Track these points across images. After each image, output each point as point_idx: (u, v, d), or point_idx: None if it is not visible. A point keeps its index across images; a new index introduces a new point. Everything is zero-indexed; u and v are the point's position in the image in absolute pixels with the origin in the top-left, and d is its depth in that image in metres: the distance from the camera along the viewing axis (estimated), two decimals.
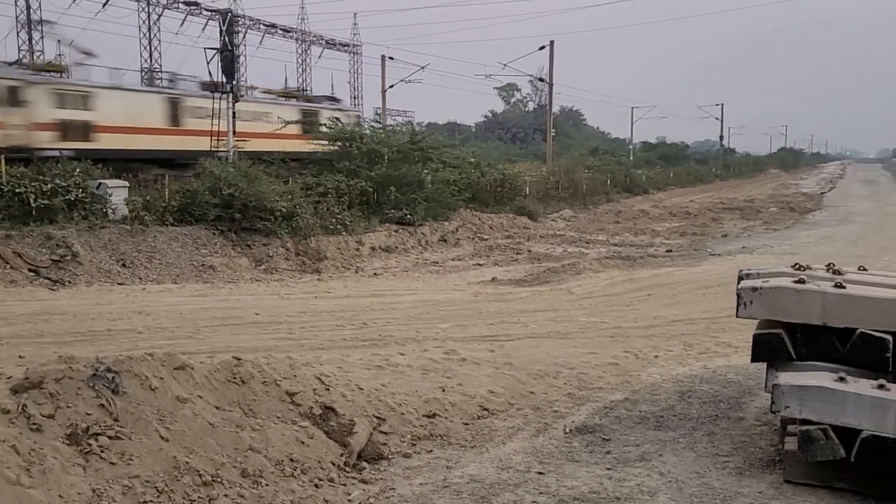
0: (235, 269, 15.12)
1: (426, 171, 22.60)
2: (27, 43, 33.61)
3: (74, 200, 14.94)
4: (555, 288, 13.89)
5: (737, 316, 5.10)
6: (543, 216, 26.85)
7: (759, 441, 5.21)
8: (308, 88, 46.99)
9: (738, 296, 4.99)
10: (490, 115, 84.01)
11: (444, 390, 5.95)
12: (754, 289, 4.88)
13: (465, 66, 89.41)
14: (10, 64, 24.31)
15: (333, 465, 4.54)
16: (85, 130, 21.66)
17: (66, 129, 21.07)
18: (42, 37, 33.73)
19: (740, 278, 5.43)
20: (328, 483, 4.37)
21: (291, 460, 4.38)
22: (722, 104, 69.55)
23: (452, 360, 6.86)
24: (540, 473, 4.65)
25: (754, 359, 5.00)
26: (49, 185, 14.73)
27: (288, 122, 25.45)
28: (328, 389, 5.15)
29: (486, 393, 6.14)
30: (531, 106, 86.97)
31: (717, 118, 70.24)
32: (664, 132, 73.17)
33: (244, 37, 38.91)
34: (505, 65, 38.17)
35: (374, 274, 15.86)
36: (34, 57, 32.31)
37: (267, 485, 4.12)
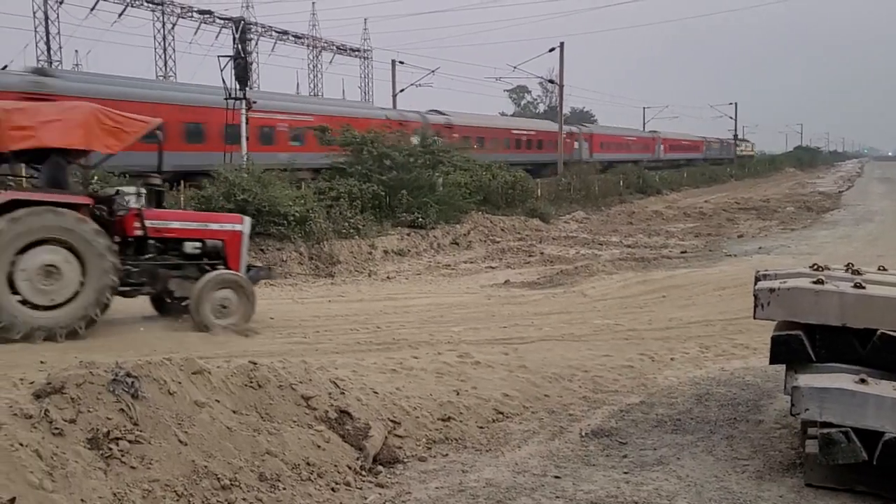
0: None
1: (437, 174, 22.61)
2: (46, 53, 33.99)
3: None
4: (568, 290, 13.84)
5: (754, 317, 5.07)
6: (555, 218, 26.77)
7: (778, 444, 5.17)
8: (320, 94, 47.20)
9: (756, 297, 4.96)
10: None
11: (458, 394, 5.95)
12: (772, 290, 4.85)
13: (475, 69, 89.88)
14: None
15: (349, 468, 4.55)
16: None
17: None
18: (60, 47, 34.20)
19: (757, 279, 5.40)
20: (344, 487, 4.38)
21: (308, 464, 4.40)
22: (735, 103, 69.25)
23: (466, 363, 6.85)
24: (556, 477, 4.64)
25: (773, 361, 4.97)
26: None
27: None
28: (343, 393, 5.17)
29: (501, 396, 6.13)
30: (542, 108, 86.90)
31: (730, 117, 69.97)
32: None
33: (257, 44, 39.18)
34: (515, 67, 38.18)
35: (387, 277, 15.87)
36: (52, 67, 32.67)
37: (284, 488, 4.14)
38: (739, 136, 74.74)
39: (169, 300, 9.15)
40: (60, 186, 8.47)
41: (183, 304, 8.88)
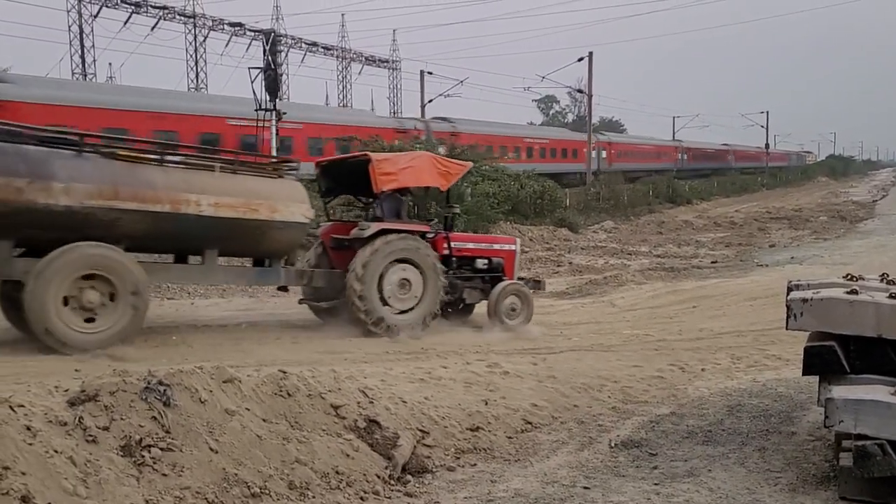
0: None
1: (465, 184, 22.63)
2: (80, 66, 34.74)
3: None
4: (597, 300, 13.77)
5: (787, 328, 4.99)
6: (584, 228, 26.65)
7: (812, 457, 5.08)
8: (349, 105, 47.61)
9: (788, 307, 4.89)
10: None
11: (487, 403, 5.94)
12: (805, 300, 4.77)
13: (504, 79, 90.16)
14: None
15: (378, 477, 4.56)
16: None
17: None
18: (94, 59, 34.93)
19: (790, 289, 5.32)
20: (373, 496, 4.39)
21: (337, 473, 4.42)
22: (767, 111, 68.40)
23: (495, 373, 6.83)
24: (585, 488, 4.61)
25: (806, 372, 4.89)
26: None
27: None
28: (372, 402, 5.19)
29: (530, 406, 6.11)
30: (570, 117, 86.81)
31: (762, 126, 69.11)
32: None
33: (286, 55, 39.66)
34: (543, 77, 38.19)
35: None
36: (87, 79, 33.39)
37: (313, 497, 4.17)
38: (805, 149, 73.86)
39: (459, 307, 10.78)
40: (399, 217, 10.43)
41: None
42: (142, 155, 8.68)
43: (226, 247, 9.19)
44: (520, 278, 11.18)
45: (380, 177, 9.67)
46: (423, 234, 10.18)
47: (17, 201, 7.49)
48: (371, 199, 10.89)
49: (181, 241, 8.90)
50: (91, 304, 7.88)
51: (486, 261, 10.87)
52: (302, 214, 9.41)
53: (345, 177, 10.79)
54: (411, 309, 9.75)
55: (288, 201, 9.28)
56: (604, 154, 48.91)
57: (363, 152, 12.08)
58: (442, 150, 24.25)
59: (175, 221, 8.42)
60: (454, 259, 10.52)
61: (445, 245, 10.43)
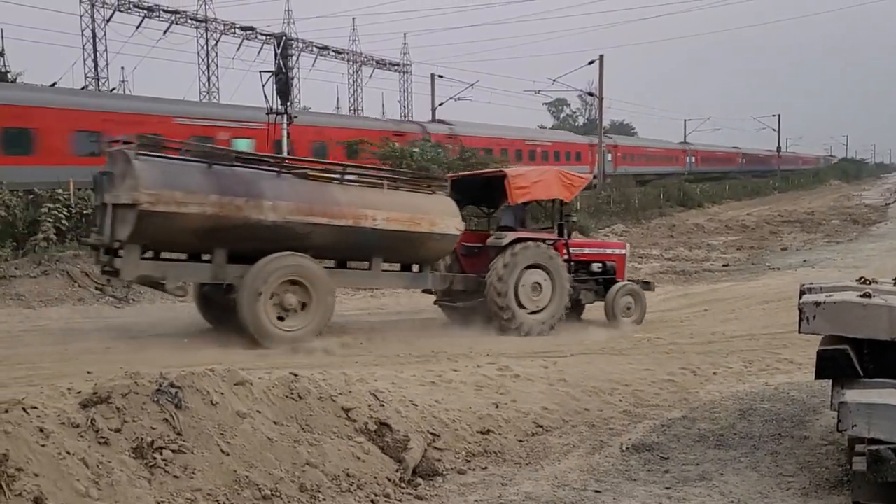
0: None
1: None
2: (93, 70, 34.99)
3: None
4: None
5: (799, 332, 4.96)
6: (595, 231, 26.58)
7: (825, 461, 5.05)
8: (360, 108, 47.75)
9: (801, 311, 4.86)
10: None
11: (497, 406, 5.93)
12: (817, 303, 4.74)
13: (514, 82, 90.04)
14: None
15: (389, 480, 4.57)
16: None
17: None
18: (107, 64, 35.18)
19: (802, 293, 5.29)
20: (384, 499, 4.40)
21: (348, 475, 4.43)
22: (779, 114, 67.99)
23: (506, 376, 6.82)
24: (597, 492, 4.59)
25: (818, 376, 4.85)
26: None
27: None
28: (383, 405, 5.19)
29: (540, 410, 6.10)
30: (581, 121, 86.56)
31: (773, 129, 68.67)
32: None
33: (298, 59, 39.77)
34: (554, 80, 37.90)
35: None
36: (100, 84, 33.64)
37: (324, 499, 4.18)
38: (830, 153, 73.64)
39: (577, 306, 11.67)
40: (524, 226, 11.47)
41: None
42: (327, 175, 10.06)
43: (389, 255, 10.31)
44: (629, 280, 12.01)
45: (515, 190, 10.70)
46: (547, 241, 11.05)
47: (237, 217, 8.82)
48: (492, 210, 12.39)
49: (356, 250, 10.03)
50: (290, 306, 9.10)
51: (600, 264, 11.81)
52: (454, 227, 10.51)
53: (474, 190, 11.78)
54: (542, 310, 10.65)
55: (444, 215, 10.40)
56: (609, 157, 48.53)
57: (498, 168, 13.36)
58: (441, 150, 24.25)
59: (355, 234, 9.63)
60: (572, 263, 11.36)
61: (565, 251, 11.29)
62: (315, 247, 9.40)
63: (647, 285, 12.09)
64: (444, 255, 10.84)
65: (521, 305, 10.46)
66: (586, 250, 11.96)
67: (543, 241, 10.92)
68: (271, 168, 9.61)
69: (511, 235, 10.69)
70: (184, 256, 9.56)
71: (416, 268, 10.76)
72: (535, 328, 10.44)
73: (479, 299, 10.55)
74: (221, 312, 9.59)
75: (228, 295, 9.07)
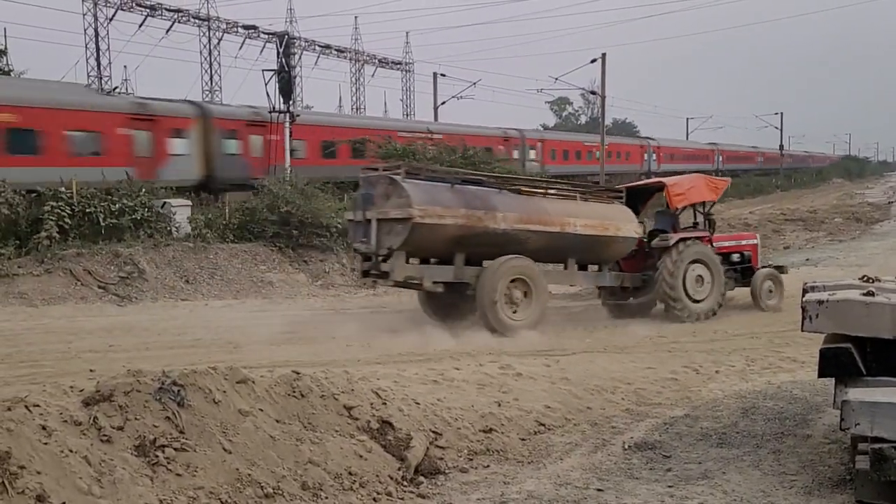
0: (293, 285, 15.38)
1: None
2: (96, 69, 35.00)
3: (141, 219, 15.50)
4: None
5: (802, 330, 4.96)
6: None
7: (827, 459, 5.04)
8: (362, 107, 47.74)
9: (804, 309, 4.85)
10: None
11: (500, 405, 5.92)
12: (820, 302, 4.73)
13: (517, 80, 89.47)
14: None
15: (391, 478, 4.56)
16: None
17: None
18: (110, 62, 35.18)
19: (805, 291, 5.28)
20: (386, 497, 4.40)
21: (350, 474, 4.42)
22: (781, 113, 67.81)
23: (508, 374, 6.82)
24: (599, 490, 4.59)
25: (821, 374, 4.84)
26: (117, 205, 15.31)
27: None
28: (385, 404, 5.19)
29: (543, 408, 6.09)
30: (583, 119, 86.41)
31: (776, 127, 68.50)
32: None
33: (300, 58, 39.75)
34: (556, 79, 37.71)
35: None
36: (102, 83, 33.65)
37: (326, 498, 4.17)
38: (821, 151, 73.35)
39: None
40: (675, 228, 12.59)
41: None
42: (535, 189, 11.60)
43: (582, 256, 11.71)
44: (764, 266, 13.34)
45: (674, 197, 12.25)
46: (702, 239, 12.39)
47: (479, 227, 10.37)
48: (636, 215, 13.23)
49: (558, 253, 11.41)
50: (517, 300, 10.53)
51: (739, 255, 13.18)
52: (634, 231, 11.91)
53: (631, 198, 12.64)
54: (704, 299, 11.91)
55: (625, 221, 11.80)
56: (654, 156, 48.83)
57: (657, 180, 14.16)
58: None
59: (562, 239, 11.11)
60: (719, 255, 12.53)
61: (711, 245, 12.54)
62: (530, 251, 10.81)
63: (781, 269, 13.32)
64: (623, 255, 12.12)
65: (688, 296, 11.71)
66: (727, 243, 13.27)
67: (700, 238, 12.25)
68: (492, 186, 11.10)
69: (675, 236, 12.03)
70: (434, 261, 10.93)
71: (593, 267, 12.11)
72: (702, 315, 11.73)
73: (645, 296, 12.11)
74: (442, 308, 11.17)
75: (450, 292, 10.58)
